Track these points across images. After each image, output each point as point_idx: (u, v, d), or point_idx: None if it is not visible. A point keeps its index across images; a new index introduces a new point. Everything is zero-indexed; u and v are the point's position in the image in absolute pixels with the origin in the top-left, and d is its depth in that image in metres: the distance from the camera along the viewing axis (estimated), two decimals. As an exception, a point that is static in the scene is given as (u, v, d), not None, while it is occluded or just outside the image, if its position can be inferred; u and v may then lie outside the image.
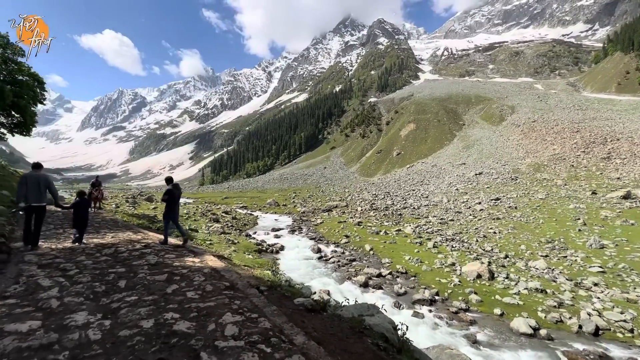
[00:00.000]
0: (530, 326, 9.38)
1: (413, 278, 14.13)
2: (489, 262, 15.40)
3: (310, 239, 22.57)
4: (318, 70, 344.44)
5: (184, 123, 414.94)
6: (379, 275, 14.35)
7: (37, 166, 7.03)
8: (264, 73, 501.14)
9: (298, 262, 16.41)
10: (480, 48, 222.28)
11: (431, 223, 26.88)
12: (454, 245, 19.16)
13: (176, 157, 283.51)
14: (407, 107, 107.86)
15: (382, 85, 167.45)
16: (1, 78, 18.44)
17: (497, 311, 10.58)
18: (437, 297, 11.80)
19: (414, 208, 34.80)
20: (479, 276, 13.40)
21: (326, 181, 76.86)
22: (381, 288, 12.83)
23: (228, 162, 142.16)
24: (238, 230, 23.84)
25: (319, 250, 18.83)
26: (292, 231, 25.69)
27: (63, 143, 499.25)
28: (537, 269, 14.71)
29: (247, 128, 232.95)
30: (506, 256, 17.02)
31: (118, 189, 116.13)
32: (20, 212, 6.88)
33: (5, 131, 20.40)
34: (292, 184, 79.04)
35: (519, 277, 13.51)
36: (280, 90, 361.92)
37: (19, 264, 5.61)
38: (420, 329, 9.35)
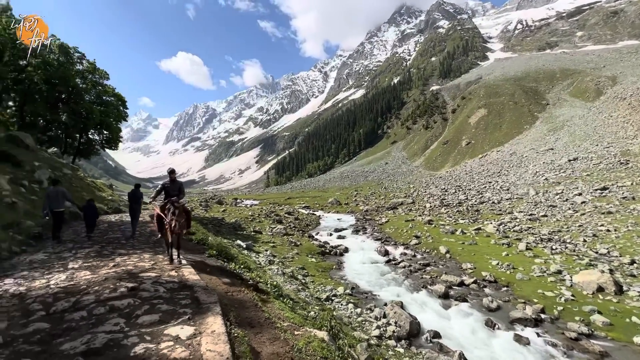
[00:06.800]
0: (703, 368, 6.60)
1: (505, 289, 11.69)
2: (611, 270, 12.05)
3: (376, 240, 21.06)
4: (374, 64, 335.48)
5: (249, 130, 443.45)
6: (461, 283, 12.24)
7: (55, 182, 9.12)
8: (320, 74, 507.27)
9: (364, 267, 15.10)
10: (564, 14, 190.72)
11: (518, 220, 23.08)
12: (553, 247, 15.79)
13: (244, 161, 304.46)
14: (476, 91, 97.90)
15: (445, 72, 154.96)
16: (92, 99, 20.94)
17: (639, 340, 7.84)
18: (543, 316, 9.35)
19: (493, 202, 30.68)
20: (600, 289, 10.42)
21: (388, 177, 73.76)
22: (466, 300, 10.79)
23: (290, 163, 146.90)
24: (301, 231, 23.49)
25: (386, 253, 17.25)
26: (356, 231, 24.44)
27: (153, 156, 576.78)
28: (688, 280, 10.98)
29: (307, 129, 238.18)
30: (632, 262, 13.26)
31: (196, 193, 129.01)
32: (47, 218, 8.59)
33: (98, 147, 23.35)
34: (353, 182, 77.60)
35: (662, 292, 10.16)
36: (337, 88, 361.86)
37: None
38: (528, 362, 7.25)
